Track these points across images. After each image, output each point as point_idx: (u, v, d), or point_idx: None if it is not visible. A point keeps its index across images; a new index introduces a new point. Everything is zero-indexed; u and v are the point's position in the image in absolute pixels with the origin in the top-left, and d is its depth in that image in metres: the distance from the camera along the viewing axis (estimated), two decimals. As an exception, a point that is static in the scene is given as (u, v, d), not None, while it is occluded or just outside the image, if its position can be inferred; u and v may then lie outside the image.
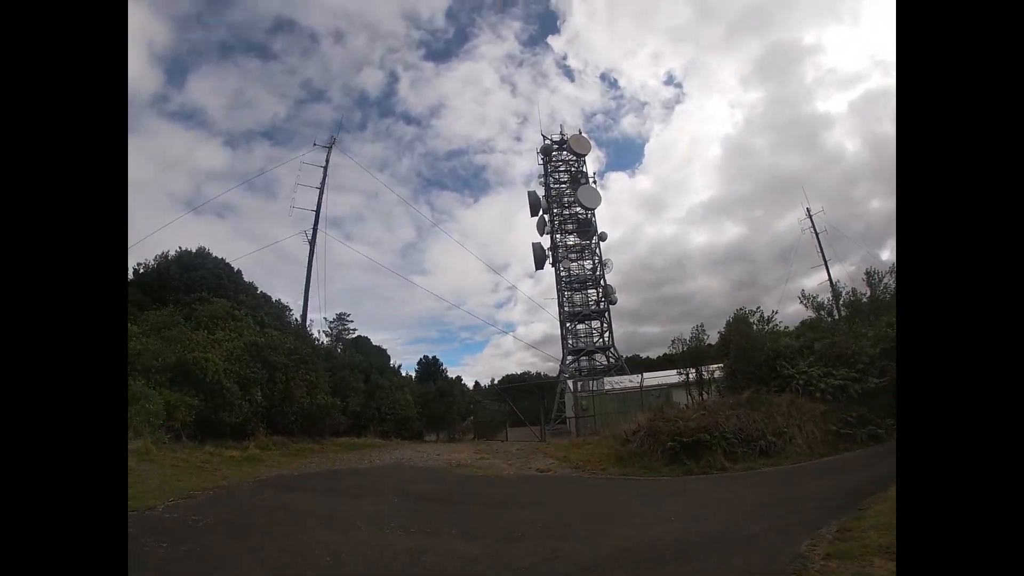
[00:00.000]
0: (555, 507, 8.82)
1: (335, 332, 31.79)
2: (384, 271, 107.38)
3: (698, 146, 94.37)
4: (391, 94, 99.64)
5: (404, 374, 41.98)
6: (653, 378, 24.75)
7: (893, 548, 4.52)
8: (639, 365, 38.01)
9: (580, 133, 40.64)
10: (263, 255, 50.54)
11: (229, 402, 15.68)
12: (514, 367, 77.53)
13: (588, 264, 38.12)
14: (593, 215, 38.30)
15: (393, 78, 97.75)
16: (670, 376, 22.24)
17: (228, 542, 6.38)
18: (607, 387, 28.37)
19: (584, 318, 37.48)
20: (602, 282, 37.36)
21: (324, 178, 28.07)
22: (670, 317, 67.35)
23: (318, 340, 26.55)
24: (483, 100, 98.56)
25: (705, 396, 16.58)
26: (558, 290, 37.67)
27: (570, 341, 37.04)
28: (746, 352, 15.72)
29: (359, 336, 37.16)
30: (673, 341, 19.28)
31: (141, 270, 25.06)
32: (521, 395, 32.35)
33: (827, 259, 31.32)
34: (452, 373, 50.20)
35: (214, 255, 27.32)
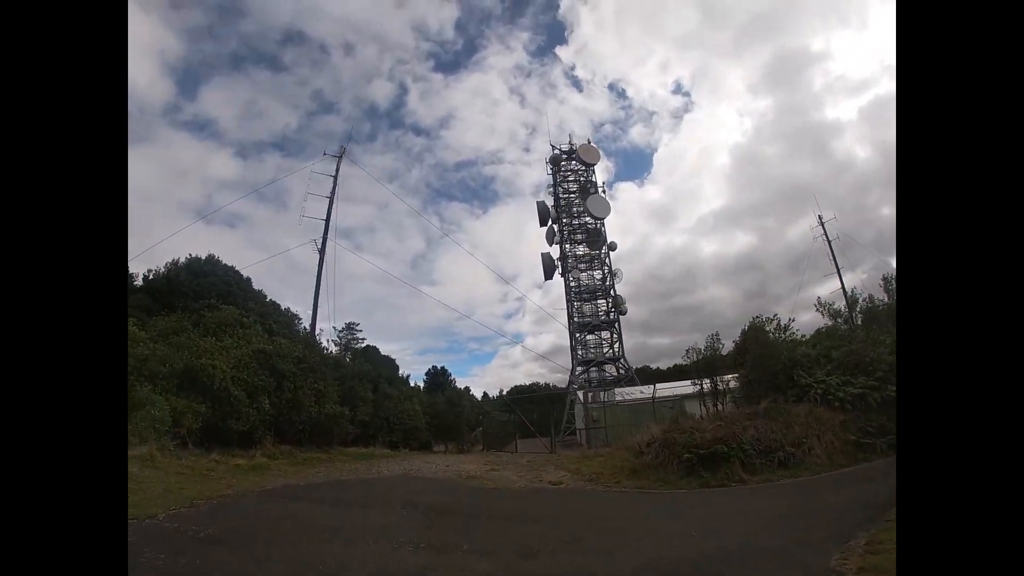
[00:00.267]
0: (570, 521, 8.48)
1: (344, 341, 31.65)
2: (394, 282, 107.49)
3: (707, 155, 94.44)
4: (400, 105, 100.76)
5: (412, 384, 41.84)
6: (665, 389, 24.31)
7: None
8: (649, 376, 37.56)
9: (589, 143, 40.53)
10: (274, 265, 51.00)
11: (236, 410, 15.54)
12: (522, 378, 77.29)
13: (597, 274, 37.83)
14: (603, 225, 38.08)
15: (402, 89, 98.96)
16: (682, 387, 21.83)
17: (230, 554, 6.14)
18: (618, 398, 27.96)
19: (594, 328, 37.15)
20: (612, 292, 37.03)
21: (334, 187, 28.18)
22: (680, 328, 66.96)
23: (327, 349, 26.50)
24: (492, 111, 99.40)
25: (720, 407, 16.17)
26: (567, 300, 37.40)
27: (579, 352, 36.68)
28: (763, 361, 15.34)
29: (368, 346, 37.10)
30: (687, 351, 18.93)
31: (151, 276, 25.15)
32: (530, 406, 31.96)
33: (839, 267, 30.80)
34: (460, 384, 50.20)
35: (224, 263, 27.38)
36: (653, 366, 48.10)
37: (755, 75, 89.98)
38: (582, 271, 38.08)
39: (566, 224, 38.46)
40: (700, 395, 17.55)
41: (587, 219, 38.23)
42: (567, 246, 38.08)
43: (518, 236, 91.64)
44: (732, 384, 16.85)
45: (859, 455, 12.20)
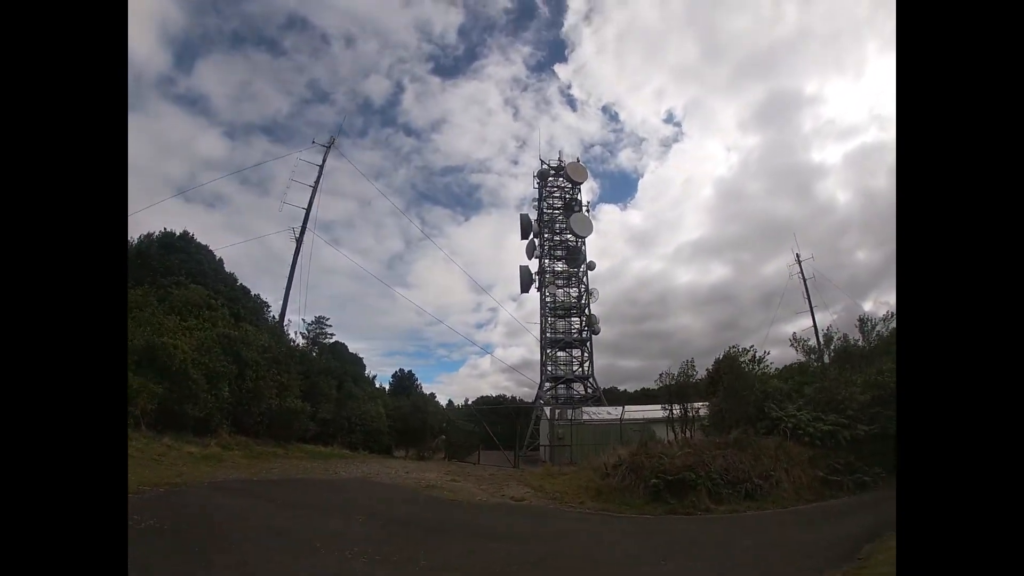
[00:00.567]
0: (536, 541, 8.16)
1: (312, 335, 30.66)
2: (368, 280, 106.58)
3: (691, 185, 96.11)
4: (395, 104, 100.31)
5: (378, 385, 41.04)
6: (633, 411, 24.25)
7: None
8: (617, 397, 37.59)
9: (578, 161, 40.69)
10: (250, 250, 49.69)
11: (194, 394, 14.86)
12: (489, 388, 76.65)
13: (574, 292, 37.86)
14: (583, 243, 38.27)
15: (399, 88, 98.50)
16: (651, 410, 21.76)
17: (172, 550, 5.66)
18: (585, 417, 27.77)
19: (566, 345, 37.07)
20: (587, 311, 37.04)
21: (319, 177, 27.45)
22: (650, 352, 67.13)
23: (294, 341, 25.70)
24: (485, 120, 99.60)
25: (690, 434, 16.10)
26: (541, 315, 37.26)
27: (549, 367, 36.47)
28: (736, 391, 15.36)
29: (336, 342, 36.15)
30: (661, 375, 18.83)
31: (119, 248, 24.17)
32: (496, 418, 31.55)
33: (813, 305, 31.42)
34: (426, 389, 49.32)
35: (198, 241, 26.46)
36: (621, 387, 48.28)
37: (747, 112, 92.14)
38: (559, 287, 38.06)
39: (547, 239, 38.45)
40: (669, 420, 17.47)
41: (568, 236, 38.31)
42: (546, 261, 38.08)
43: (498, 247, 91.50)
44: (702, 412, 16.83)
45: (826, 491, 12.21)
